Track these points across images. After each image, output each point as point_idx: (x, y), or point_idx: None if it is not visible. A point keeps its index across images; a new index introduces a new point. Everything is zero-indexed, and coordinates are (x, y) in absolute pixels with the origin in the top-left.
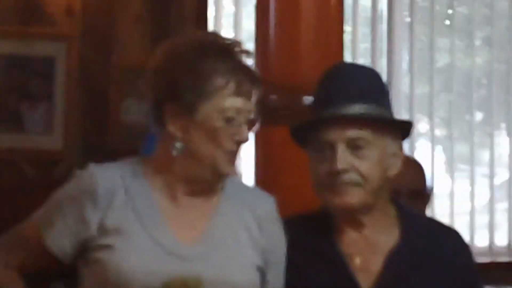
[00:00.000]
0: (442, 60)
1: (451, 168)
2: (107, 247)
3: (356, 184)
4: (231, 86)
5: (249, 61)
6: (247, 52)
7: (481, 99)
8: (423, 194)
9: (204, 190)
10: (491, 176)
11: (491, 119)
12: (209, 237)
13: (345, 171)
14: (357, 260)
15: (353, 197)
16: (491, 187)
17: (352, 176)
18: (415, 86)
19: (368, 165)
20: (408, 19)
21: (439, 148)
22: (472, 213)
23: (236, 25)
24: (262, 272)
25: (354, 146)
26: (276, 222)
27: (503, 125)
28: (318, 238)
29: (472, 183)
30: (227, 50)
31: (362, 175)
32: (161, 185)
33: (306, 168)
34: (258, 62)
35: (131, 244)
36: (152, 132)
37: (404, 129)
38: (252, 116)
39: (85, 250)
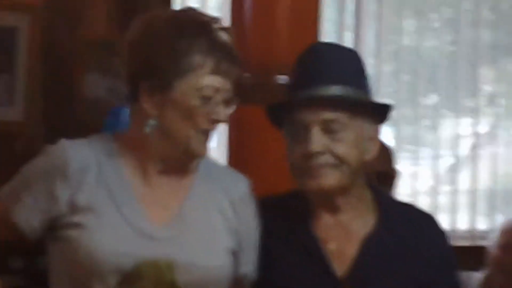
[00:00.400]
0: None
1: (399, 149)
2: (78, 225)
3: (332, 166)
4: (209, 64)
5: (228, 39)
6: (226, 29)
7: (436, 81)
8: (389, 176)
9: (177, 170)
10: (436, 158)
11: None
12: (182, 219)
13: (319, 153)
14: (332, 246)
15: (328, 178)
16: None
17: (327, 158)
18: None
19: (344, 148)
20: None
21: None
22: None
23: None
24: (235, 255)
25: (329, 129)
26: (250, 204)
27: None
28: (293, 221)
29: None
30: (205, 27)
31: (338, 157)
32: (134, 163)
33: (279, 149)
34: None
35: (102, 223)
36: (116, 108)
37: (382, 113)
38: (230, 95)
39: (54, 227)
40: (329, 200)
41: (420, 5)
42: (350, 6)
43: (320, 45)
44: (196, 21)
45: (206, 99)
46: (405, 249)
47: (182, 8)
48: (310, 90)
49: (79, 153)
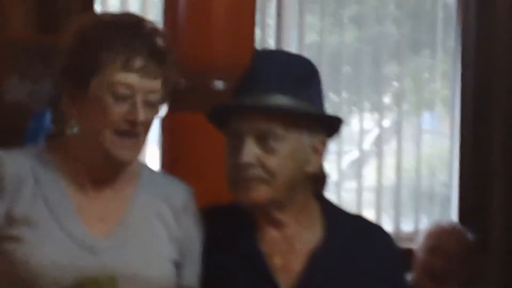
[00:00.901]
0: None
1: None
2: (15, 238)
3: (262, 181)
4: (120, 59)
5: (156, 39)
6: (155, 31)
7: (348, 77)
8: (320, 177)
9: (111, 179)
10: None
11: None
12: (123, 229)
13: (250, 165)
14: (277, 260)
15: (258, 193)
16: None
17: (257, 171)
18: None
19: (276, 160)
20: None
21: None
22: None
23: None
24: (178, 267)
25: (263, 139)
26: (192, 213)
27: (367, 105)
28: (237, 233)
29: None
30: (127, 25)
31: (268, 171)
32: (70, 172)
33: (215, 156)
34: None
35: (41, 236)
36: (38, 112)
37: (331, 124)
38: (155, 97)
39: None
40: (267, 213)
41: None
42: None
43: (265, 52)
44: (121, 21)
45: (120, 98)
46: (353, 263)
47: (121, 12)
48: (247, 98)
49: (13, 163)
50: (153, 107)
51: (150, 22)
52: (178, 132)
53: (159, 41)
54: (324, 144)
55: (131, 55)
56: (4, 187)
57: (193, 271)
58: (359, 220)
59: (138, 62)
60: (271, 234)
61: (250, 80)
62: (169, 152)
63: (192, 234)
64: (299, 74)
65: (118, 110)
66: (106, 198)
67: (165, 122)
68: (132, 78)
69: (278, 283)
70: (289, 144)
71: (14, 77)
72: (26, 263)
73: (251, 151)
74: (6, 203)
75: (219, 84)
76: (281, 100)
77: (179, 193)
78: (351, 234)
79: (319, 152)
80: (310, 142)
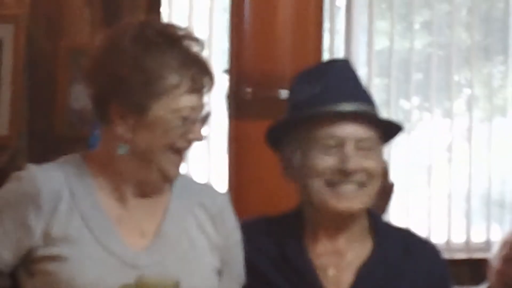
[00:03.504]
0: (380, 43)
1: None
2: (56, 257)
3: (363, 184)
4: (185, 83)
5: (199, 50)
6: (197, 41)
7: (419, 84)
8: (386, 187)
9: (152, 191)
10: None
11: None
12: (163, 242)
13: (355, 171)
14: (330, 273)
15: (357, 201)
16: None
17: (360, 176)
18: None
19: (375, 164)
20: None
21: None
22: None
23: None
24: (220, 274)
25: (361, 146)
26: (230, 218)
27: (438, 111)
28: (286, 245)
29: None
30: (174, 41)
31: (369, 174)
32: (107, 185)
33: (280, 164)
34: (232, 53)
35: (82, 254)
36: None
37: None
38: (206, 112)
39: (28, 260)
40: (340, 223)
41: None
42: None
43: (340, 62)
44: (163, 35)
45: (184, 120)
46: (401, 277)
47: (148, 19)
48: (339, 105)
49: (49, 179)
50: (205, 122)
51: (188, 30)
52: (243, 141)
53: (202, 52)
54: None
55: (194, 76)
56: (41, 205)
57: (234, 278)
58: (408, 234)
59: (199, 82)
60: (323, 245)
61: (334, 86)
62: (235, 160)
63: (232, 239)
64: (362, 81)
65: (179, 131)
66: (142, 210)
67: (230, 131)
68: (194, 100)
69: None
70: (379, 151)
71: (80, 84)
72: (70, 283)
73: (355, 157)
74: (43, 222)
75: (285, 93)
76: (369, 108)
77: (215, 198)
78: (400, 248)
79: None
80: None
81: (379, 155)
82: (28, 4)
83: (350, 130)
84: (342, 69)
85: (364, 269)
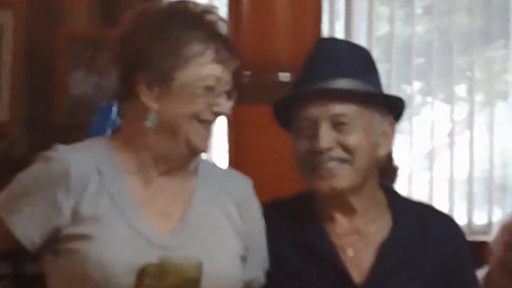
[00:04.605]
0: (381, 28)
1: None
2: (84, 236)
3: (343, 161)
4: (210, 52)
5: (224, 29)
6: (221, 19)
7: (420, 69)
8: (390, 171)
9: (178, 170)
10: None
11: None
12: (188, 226)
13: (329, 149)
14: (350, 253)
15: (340, 178)
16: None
17: (338, 153)
18: None
19: (353, 139)
20: None
21: None
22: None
23: None
24: (244, 260)
25: (338, 123)
26: (254, 205)
27: (440, 95)
28: (304, 227)
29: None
30: (200, 17)
31: (348, 150)
32: (134, 166)
33: (280, 149)
34: (230, 36)
35: (110, 234)
36: (104, 105)
37: (396, 108)
38: (230, 87)
39: (56, 239)
40: (343, 202)
41: None
42: None
43: (328, 40)
44: (190, 12)
45: (208, 90)
46: (420, 254)
47: (173, 1)
48: (317, 84)
49: (78, 160)
50: (230, 97)
51: (213, 9)
52: (242, 125)
53: (227, 31)
54: (392, 127)
55: (218, 47)
56: (71, 186)
57: (258, 265)
58: (427, 210)
59: (224, 54)
60: (342, 225)
61: (316, 66)
62: (234, 145)
63: (256, 226)
64: (364, 60)
65: (205, 101)
66: (169, 193)
67: (230, 115)
68: (219, 70)
69: (351, 276)
70: (362, 123)
71: (79, 71)
72: (99, 262)
73: (328, 135)
74: (72, 202)
75: (283, 77)
76: (352, 84)
77: (240, 185)
78: (418, 225)
79: (389, 135)
80: (380, 126)
81: (364, 130)
82: None
83: (324, 109)
84: (328, 47)
85: (384, 248)
